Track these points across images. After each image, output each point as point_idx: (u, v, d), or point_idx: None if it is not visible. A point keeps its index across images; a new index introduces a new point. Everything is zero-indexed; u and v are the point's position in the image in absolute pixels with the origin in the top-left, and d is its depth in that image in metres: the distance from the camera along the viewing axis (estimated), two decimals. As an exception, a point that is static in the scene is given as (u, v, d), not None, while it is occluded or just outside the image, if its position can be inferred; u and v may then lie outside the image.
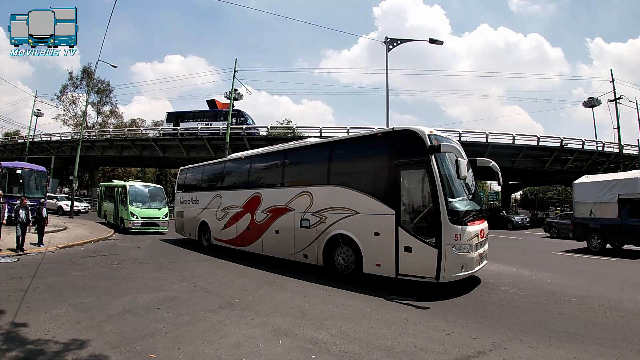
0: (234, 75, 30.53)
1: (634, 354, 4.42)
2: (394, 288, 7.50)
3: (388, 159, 7.74)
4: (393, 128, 7.92)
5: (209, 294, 6.99)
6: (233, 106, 32.24)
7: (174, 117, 40.83)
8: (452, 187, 7.19)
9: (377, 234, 7.66)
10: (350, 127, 30.87)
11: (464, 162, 7.03)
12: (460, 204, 7.30)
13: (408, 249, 7.10)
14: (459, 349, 4.47)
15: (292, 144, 10.72)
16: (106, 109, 58.48)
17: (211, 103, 41.65)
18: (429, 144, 7.06)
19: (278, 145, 11.30)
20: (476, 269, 7.47)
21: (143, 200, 19.32)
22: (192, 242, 14.73)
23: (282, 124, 54.05)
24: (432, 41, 19.86)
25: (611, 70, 57.38)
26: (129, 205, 18.55)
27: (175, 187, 16.78)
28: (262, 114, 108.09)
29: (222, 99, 38.89)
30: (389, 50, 20.50)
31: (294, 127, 39.98)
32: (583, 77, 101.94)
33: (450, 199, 6.96)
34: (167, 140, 38.49)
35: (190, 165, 16.56)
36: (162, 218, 19.33)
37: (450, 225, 6.79)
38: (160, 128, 42.62)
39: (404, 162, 7.49)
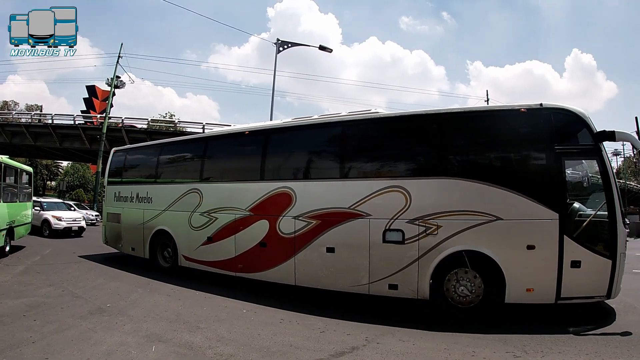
0: (118, 61, 27.45)
1: (500, 343, 4.35)
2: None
3: (543, 143, 5.24)
4: (541, 104, 5.24)
5: (79, 299, 6.07)
6: (114, 94, 29.02)
7: None
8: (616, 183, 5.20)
9: (531, 247, 5.00)
10: (234, 125, 27.47)
11: None
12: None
13: (576, 264, 4.94)
14: (334, 345, 4.32)
15: (360, 114, 6.56)
16: (-24, 88, 43.36)
17: (91, 89, 35.37)
18: (596, 129, 5.15)
19: (328, 115, 6.92)
20: None
21: None
22: (133, 260, 8.99)
23: (164, 117, 47.77)
24: (321, 48, 18.83)
25: (487, 91, 66.24)
26: None
27: (106, 177, 10.13)
28: (144, 105, 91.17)
29: (103, 86, 33.75)
30: (279, 52, 19.20)
31: (177, 121, 36.46)
32: (460, 95, 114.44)
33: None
34: (39, 128, 32.19)
35: (135, 145, 10.31)
36: None
37: (624, 230, 5.04)
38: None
39: (569, 150, 5.24)
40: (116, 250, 9.74)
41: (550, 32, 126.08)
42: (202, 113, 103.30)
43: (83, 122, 32.16)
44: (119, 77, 28.42)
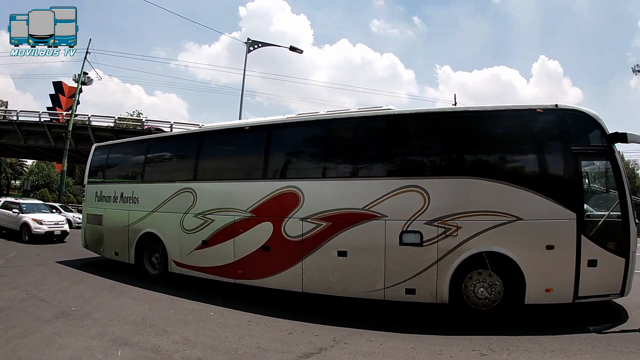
0: (85, 57, 26.23)
1: (467, 342, 4.37)
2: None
3: (561, 144, 5.22)
4: (557, 105, 5.25)
5: (43, 302, 5.84)
6: (81, 91, 28.42)
7: None
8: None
9: (550, 247, 4.93)
10: (202, 124, 26.90)
11: None
12: None
13: (592, 263, 4.95)
14: (302, 346, 4.29)
15: (374, 110, 6.19)
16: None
17: (57, 85, 34.60)
18: (608, 131, 5.19)
19: (337, 112, 6.47)
20: None
21: None
22: (102, 264, 8.29)
23: (132, 115, 46.53)
24: (292, 49, 18.45)
25: (455, 94, 67.43)
26: None
27: (86, 175, 9.18)
28: (111, 103, 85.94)
29: (70, 82, 32.69)
30: (249, 51, 18.87)
31: (144, 119, 35.41)
32: (429, 99, 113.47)
33: None
34: (4, 124, 30.59)
35: (119, 140, 9.43)
36: None
37: (635, 228, 5.07)
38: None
39: (585, 151, 5.24)
40: (96, 255, 8.88)
41: (518, 38, 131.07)
42: (170, 112, 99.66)
43: (49, 119, 30.62)
44: (87, 74, 27.29)
